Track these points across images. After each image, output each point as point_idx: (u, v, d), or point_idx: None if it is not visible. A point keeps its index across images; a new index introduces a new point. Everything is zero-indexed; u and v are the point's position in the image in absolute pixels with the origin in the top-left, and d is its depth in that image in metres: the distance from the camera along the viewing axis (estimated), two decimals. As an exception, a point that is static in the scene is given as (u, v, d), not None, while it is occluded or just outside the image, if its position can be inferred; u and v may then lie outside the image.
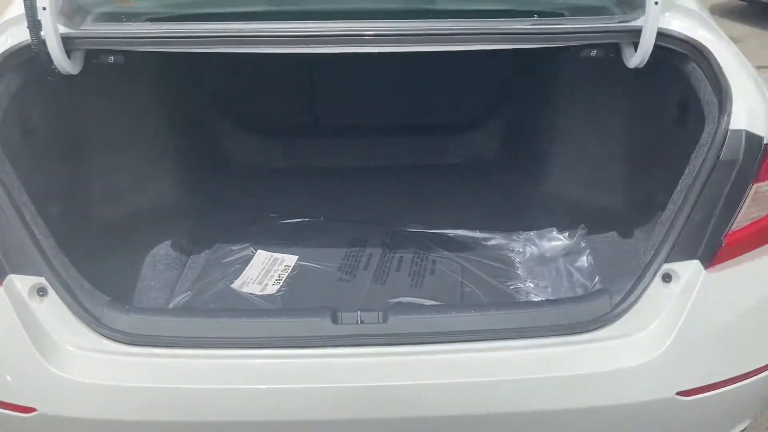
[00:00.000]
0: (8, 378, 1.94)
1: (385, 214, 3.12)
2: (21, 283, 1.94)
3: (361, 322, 2.01)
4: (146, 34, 2.13)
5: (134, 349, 1.94)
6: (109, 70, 2.33)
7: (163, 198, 3.02)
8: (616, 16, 2.23)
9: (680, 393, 1.94)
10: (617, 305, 1.99)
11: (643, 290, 1.98)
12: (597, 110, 2.99)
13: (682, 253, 1.97)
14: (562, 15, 2.33)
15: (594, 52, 2.30)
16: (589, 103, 3.00)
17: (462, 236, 2.95)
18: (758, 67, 2.23)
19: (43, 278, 1.95)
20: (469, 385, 1.94)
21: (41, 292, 1.95)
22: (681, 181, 2.04)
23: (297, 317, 2.02)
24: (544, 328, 1.98)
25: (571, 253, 2.64)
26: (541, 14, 2.27)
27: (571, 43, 2.22)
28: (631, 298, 1.97)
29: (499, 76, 3.52)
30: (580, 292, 2.47)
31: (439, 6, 2.38)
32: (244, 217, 3.09)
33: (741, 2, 8.52)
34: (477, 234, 2.94)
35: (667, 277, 1.98)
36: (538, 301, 2.41)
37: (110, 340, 1.95)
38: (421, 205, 3.21)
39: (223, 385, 1.90)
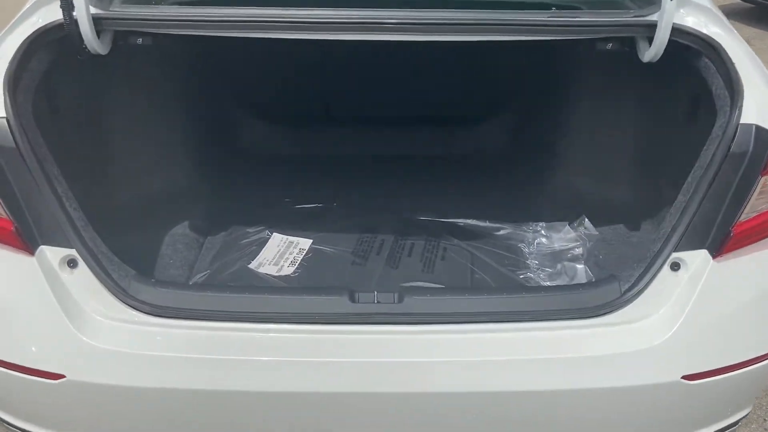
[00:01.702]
0: (39, 346, 2.00)
1: (396, 202, 3.18)
2: (52, 254, 2.01)
3: (378, 301, 2.07)
4: (175, 17, 2.19)
5: (159, 320, 2.01)
6: (133, 52, 2.39)
7: (179, 180, 3.07)
8: (632, 11, 2.29)
9: (685, 377, 2.01)
10: (626, 291, 2.05)
11: (652, 277, 2.04)
12: (607, 103, 3.04)
13: (690, 242, 2.03)
14: (578, 8, 2.39)
15: (610, 45, 2.36)
16: (600, 96, 3.06)
17: (472, 225, 3.01)
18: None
19: (73, 250, 2.01)
20: (481, 363, 2.00)
21: (71, 263, 2.02)
22: (691, 173, 2.11)
23: (317, 295, 2.09)
24: (555, 312, 2.05)
25: (581, 245, 2.70)
26: (559, 7, 2.33)
27: (586, 36, 2.29)
28: (640, 285, 2.04)
29: (510, 69, 3.57)
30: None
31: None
32: (259, 201, 3.15)
33: (747, 4, 8.58)
34: (487, 224, 3.01)
35: (675, 266, 2.04)
36: (549, 286, 2.48)
37: (137, 311, 2.01)
38: (432, 195, 3.27)
39: (245, 356, 1.97)
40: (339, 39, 2.18)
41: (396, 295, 2.08)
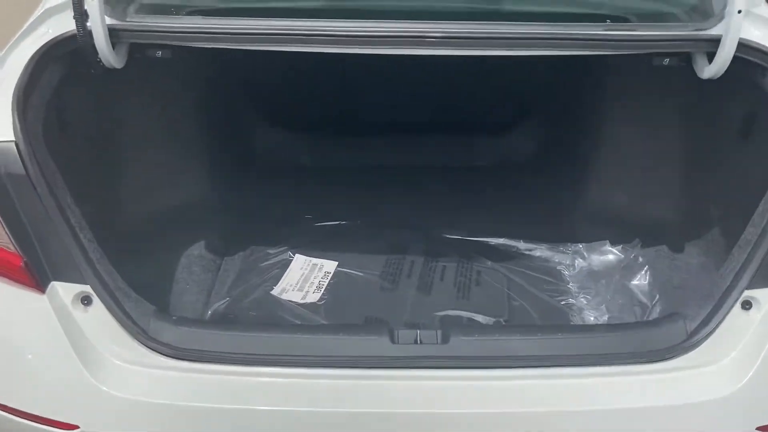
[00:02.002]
0: (50, 393, 1.83)
1: (423, 218, 3.01)
2: (65, 290, 1.84)
3: (420, 341, 1.90)
4: (199, 29, 2.02)
5: (184, 364, 1.83)
6: (150, 64, 2.21)
7: (194, 195, 2.89)
8: (690, 24, 2.13)
9: (761, 428, 1.84)
10: (693, 333, 1.88)
11: (722, 318, 1.88)
12: (647, 115, 2.87)
13: (764, 279, 1.86)
14: (628, 20, 2.23)
15: (666, 61, 2.20)
16: (639, 107, 2.89)
17: (504, 245, 2.84)
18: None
19: (88, 286, 1.85)
20: (537, 415, 1.83)
21: (86, 300, 1.85)
22: (762, 202, 1.94)
23: (354, 334, 1.92)
24: (615, 356, 1.88)
25: (626, 269, 2.53)
26: (612, 19, 2.15)
27: (644, 51, 2.13)
28: (709, 326, 1.87)
29: (538, 75, 3.39)
30: (638, 311, 2.36)
31: (505, 7, 2.25)
32: (278, 217, 2.98)
33: None
34: (520, 244, 2.83)
35: (747, 305, 1.88)
36: (606, 325, 2.30)
37: (158, 354, 1.84)
38: (458, 209, 3.10)
39: (281, 406, 1.79)
40: (379, 53, 2.00)
41: (440, 334, 1.92)
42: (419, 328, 2.06)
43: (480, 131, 3.59)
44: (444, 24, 2.01)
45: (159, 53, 2.14)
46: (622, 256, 2.62)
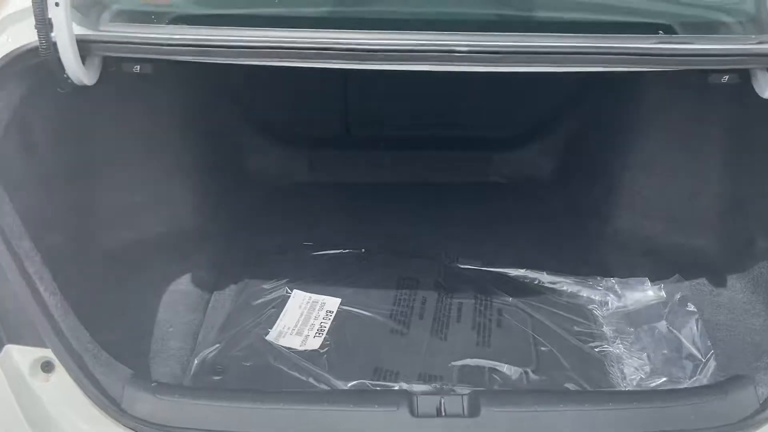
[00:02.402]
0: (2, 481, 1.52)
1: (431, 244, 2.72)
2: (21, 355, 1.55)
3: (445, 413, 1.61)
4: (185, 40, 1.73)
5: (164, 446, 1.53)
6: (127, 77, 1.92)
7: (181, 219, 2.61)
8: (751, 37, 1.85)
9: None
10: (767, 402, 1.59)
11: None
12: (686, 134, 2.60)
13: None
14: (674, 30, 1.95)
15: (725, 78, 1.91)
16: (677, 125, 2.62)
17: (526, 278, 2.55)
18: None
19: (49, 349, 1.55)
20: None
21: (46, 367, 1.56)
22: None
23: (367, 405, 1.62)
24: None
25: (671, 314, 2.24)
26: (664, 29, 1.87)
27: (702, 67, 1.85)
28: None
29: (559, 84, 3.08)
30: (688, 366, 2.06)
31: (541, 15, 1.95)
32: (274, 245, 2.67)
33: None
34: (544, 276, 2.54)
35: None
36: (662, 391, 2.00)
37: None
38: (471, 235, 2.81)
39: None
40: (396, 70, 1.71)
41: (466, 402, 1.62)
42: (436, 381, 1.77)
43: (495, 146, 3.30)
44: (471, 36, 1.72)
45: (137, 68, 1.83)
46: (664, 295, 2.33)
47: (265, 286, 2.42)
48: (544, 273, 2.55)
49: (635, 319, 2.27)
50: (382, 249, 2.68)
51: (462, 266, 2.62)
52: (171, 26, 1.81)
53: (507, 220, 2.93)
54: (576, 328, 2.30)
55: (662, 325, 2.20)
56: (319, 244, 2.68)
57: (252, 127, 3.18)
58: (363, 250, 2.66)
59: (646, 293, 2.35)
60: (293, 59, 1.75)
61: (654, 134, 2.68)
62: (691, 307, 2.31)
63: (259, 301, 2.37)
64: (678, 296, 2.30)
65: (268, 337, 2.20)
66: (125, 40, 1.73)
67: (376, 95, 3.15)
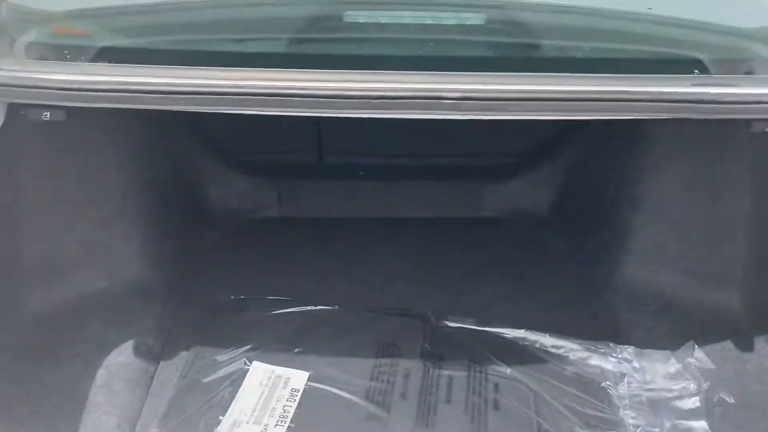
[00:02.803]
0: None
1: (416, 295, 2.38)
2: None
3: None
4: (102, 83, 1.33)
5: None
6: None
7: (123, 273, 2.26)
8: None
9: None
10: None
11: None
12: (707, 174, 2.27)
13: None
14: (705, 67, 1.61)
15: None
16: (697, 163, 2.28)
17: (525, 341, 2.20)
18: None
19: None
20: None
21: None
22: None
23: None
24: None
25: (692, 386, 1.91)
26: (699, 67, 1.51)
27: (751, 117, 1.49)
28: None
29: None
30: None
31: (547, 51, 1.60)
32: (233, 297, 2.31)
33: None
34: (546, 339, 2.19)
35: None
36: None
37: None
38: (461, 284, 2.48)
39: None
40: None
41: None
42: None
43: (485, 175, 2.96)
44: (464, 78, 1.36)
45: (47, 115, 1.46)
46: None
47: (219, 358, 2.06)
48: (547, 335, 2.20)
49: (659, 408, 1.91)
50: (359, 303, 2.32)
51: (452, 325, 2.26)
52: (89, 65, 1.43)
53: (502, 265, 2.59)
54: (588, 411, 1.94)
55: (682, 401, 1.85)
56: (286, 298, 2.31)
57: (212, 155, 2.81)
58: (336, 306, 2.30)
59: (667, 365, 1.99)
60: (247, 107, 1.38)
61: (670, 172, 2.34)
62: (706, 362, 2.02)
63: (212, 377, 2.00)
64: (692, 363, 1.96)
65: (218, 429, 1.82)
66: (26, 83, 1.36)
67: (353, 119, 2.77)
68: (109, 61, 1.44)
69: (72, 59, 1.45)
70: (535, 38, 1.65)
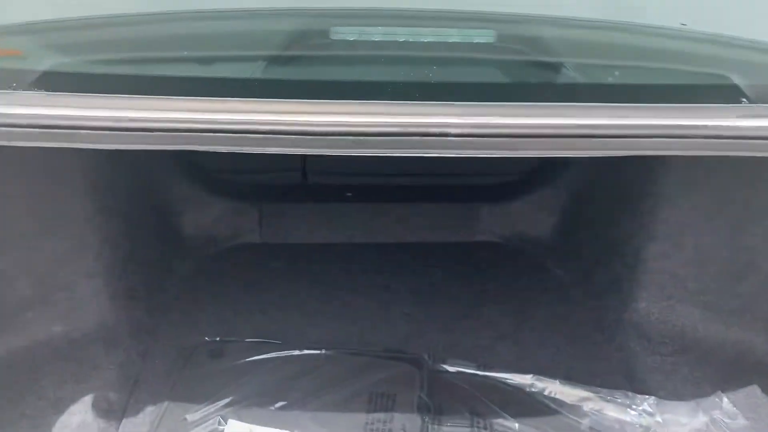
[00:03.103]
0: None
1: (411, 335, 2.19)
2: None
3: None
4: (43, 118, 1.10)
5: None
6: None
7: (81, 316, 2.04)
8: None
9: None
10: None
11: None
12: (729, 202, 2.06)
13: None
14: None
15: None
16: (718, 189, 2.07)
17: (533, 388, 1.98)
18: None
19: None
20: None
21: None
22: None
23: None
24: None
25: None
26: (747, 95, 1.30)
27: None
28: None
29: None
30: None
31: (564, 77, 1.37)
32: (206, 341, 2.08)
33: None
34: (556, 386, 1.99)
35: None
36: None
37: None
38: (460, 320, 2.28)
39: None
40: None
41: None
42: None
43: (482, 196, 2.77)
44: (474, 108, 1.13)
45: None
46: (711, 419, 1.78)
47: (191, 417, 1.83)
48: (557, 382, 2.00)
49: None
50: (347, 344, 2.12)
51: (450, 369, 2.06)
52: (23, 93, 1.18)
53: (503, 298, 2.38)
54: (608, 474, 1.73)
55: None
56: (266, 341, 2.11)
57: (185, 176, 2.59)
58: (323, 350, 2.08)
59: (694, 425, 1.80)
60: (219, 145, 1.15)
61: (688, 199, 2.14)
62: (732, 413, 1.84)
63: (180, 440, 1.77)
64: (718, 415, 1.78)
65: None
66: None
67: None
68: (48, 90, 1.20)
69: (18, 87, 1.20)
70: (554, 57, 1.42)
